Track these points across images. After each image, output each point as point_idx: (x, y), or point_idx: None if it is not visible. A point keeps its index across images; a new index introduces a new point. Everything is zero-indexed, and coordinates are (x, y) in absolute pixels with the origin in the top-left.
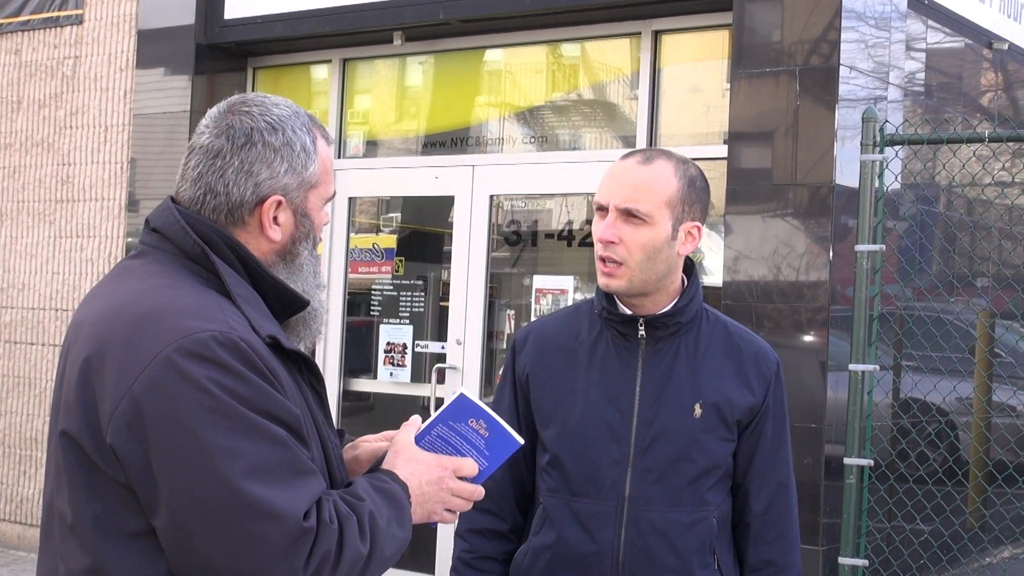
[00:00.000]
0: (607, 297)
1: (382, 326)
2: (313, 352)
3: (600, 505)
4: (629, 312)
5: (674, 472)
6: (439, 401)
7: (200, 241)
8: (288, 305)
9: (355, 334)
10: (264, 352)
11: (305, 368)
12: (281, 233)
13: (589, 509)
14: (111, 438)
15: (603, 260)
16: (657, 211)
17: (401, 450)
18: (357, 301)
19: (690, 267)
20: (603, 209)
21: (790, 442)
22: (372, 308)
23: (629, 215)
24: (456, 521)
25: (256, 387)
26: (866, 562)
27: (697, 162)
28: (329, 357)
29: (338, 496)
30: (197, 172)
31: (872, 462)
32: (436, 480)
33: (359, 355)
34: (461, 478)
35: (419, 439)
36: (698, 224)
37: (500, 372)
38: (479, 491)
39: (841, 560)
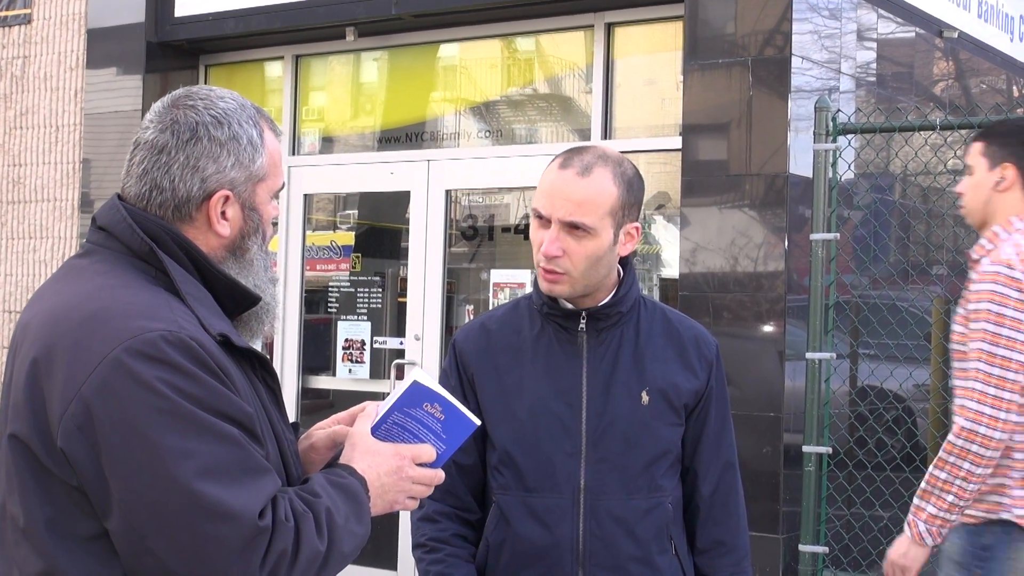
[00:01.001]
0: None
1: (340, 323)
2: (270, 348)
3: (556, 499)
4: (571, 306)
5: (628, 460)
6: None
7: (147, 239)
8: (239, 301)
9: (313, 332)
10: (215, 350)
11: (259, 365)
12: (230, 228)
13: (546, 503)
14: (61, 441)
15: (546, 272)
16: (600, 222)
17: (357, 443)
18: (315, 299)
19: (624, 259)
20: (543, 217)
21: (732, 425)
22: (330, 305)
23: (573, 227)
24: (417, 506)
25: (207, 386)
26: (826, 549)
27: (652, 154)
28: (287, 355)
29: (294, 493)
30: (142, 168)
31: (831, 449)
32: (395, 470)
33: (317, 353)
34: (420, 464)
35: (375, 429)
36: (637, 224)
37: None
38: (439, 475)
39: (801, 548)
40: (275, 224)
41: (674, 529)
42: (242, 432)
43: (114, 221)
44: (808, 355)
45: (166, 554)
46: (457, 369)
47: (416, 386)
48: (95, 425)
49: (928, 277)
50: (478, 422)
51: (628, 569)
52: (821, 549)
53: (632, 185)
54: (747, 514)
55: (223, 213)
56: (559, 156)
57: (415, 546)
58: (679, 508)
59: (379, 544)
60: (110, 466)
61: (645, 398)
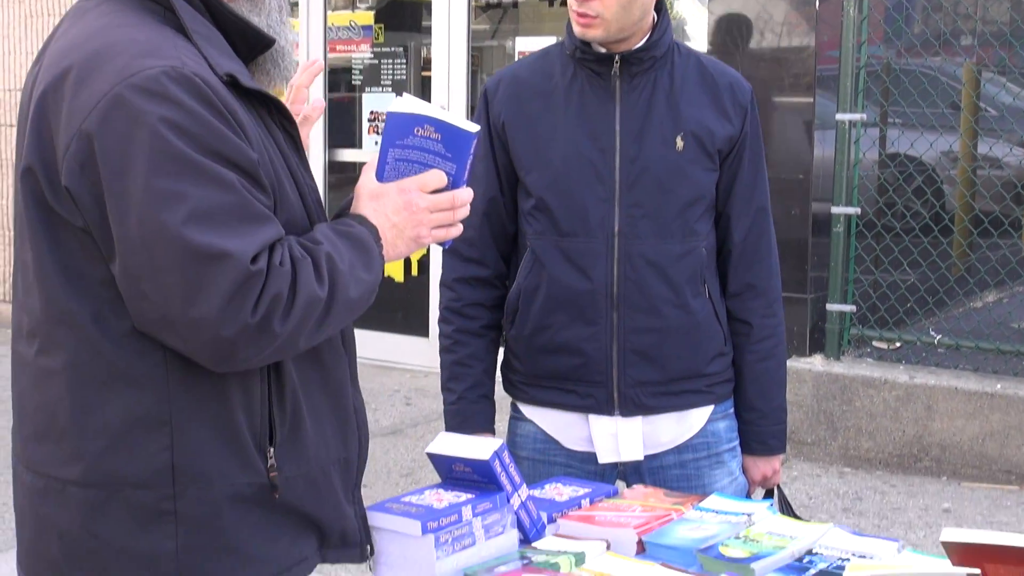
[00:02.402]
0: (582, 40)
1: (364, 96)
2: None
3: (590, 243)
4: (604, 51)
5: (662, 205)
6: None
7: None
8: (252, 43)
9: (338, 108)
10: (220, 90)
11: (275, 110)
12: None
13: (579, 248)
14: (66, 179)
15: (581, 16)
16: None
17: (362, 191)
18: (337, 80)
19: (659, 3)
20: None
21: (766, 170)
22: (353, 80)
23: None
24: (452, 236)
25: (208, 125)
26: (853, 308)
27: None
28: (313, 132)
29: (294, 240)
30: None
31: (859, 210)
32: (404, 206)
33: (343, 128)
34: (436, 192)
35: (380, 176)
36: None
37: None
38: (458, 195)
39: (829, 307)
40: None
41: (707, 274)
42: (242, 177)
43: None
44: (838, 116)
45: (159, 298)
46: (487, 118)
47: (394, 116)
48: (96, 163)
49: (955, 47)
50: (476, 128)
51: (662, 311)
52: (848, 308)
53: None
54: (783, 282)
55: None
56: None
57: (440, 308)
58: (712, 254)
59: (410, 312)
60: (109, 206)
61: (680, 143)
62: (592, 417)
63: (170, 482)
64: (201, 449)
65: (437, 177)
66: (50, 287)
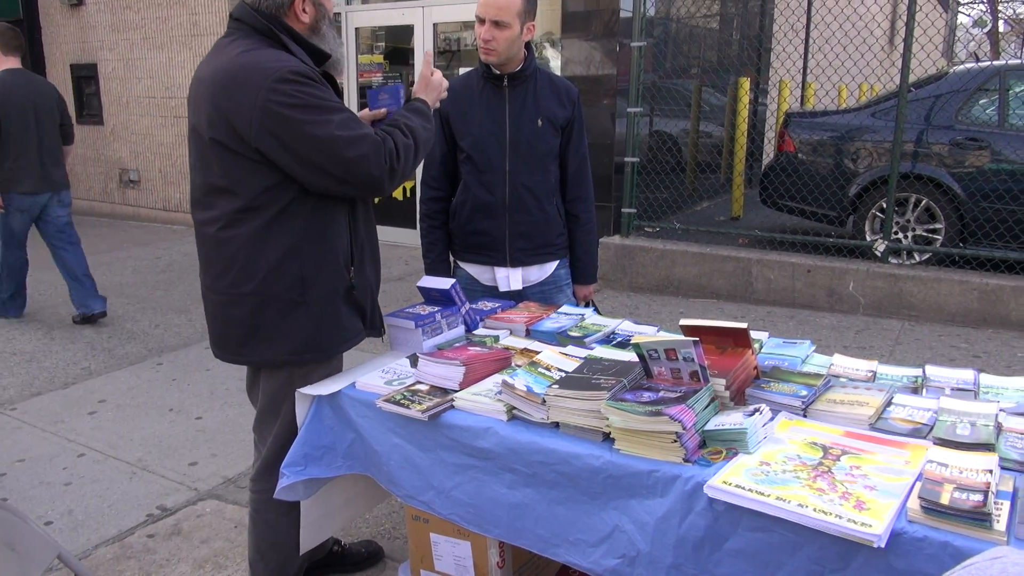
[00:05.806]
0: (487, 65)
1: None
2: None
3: (493, 176)
4: (499, 72)
5: (531, 156)
6: None
7: (266, 22)
8: (319, 58)
9: (363, 104)
10: (316, 75)
11: (332, 87)
12: (308, 16)
13: (488, 179)
14: (255, 142)
15: (484, 49)
16: (512, 19)
17: (415, 90)
18: (363, 91)
19: (528, 44)
20: (482, 19)
21: (586, 137)
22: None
23: (497, 24)
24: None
25: (319, 89)
26: (635, 210)
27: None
28: (351, 104)
29: (380, 127)
30: None
31: (639, 159)
32: (432, 87)
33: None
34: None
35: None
36: (533, 23)
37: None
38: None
39: (624, 210)
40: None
41: (556, 192)
42: (343, 108)
43: (245, 15)
44: (629, 110)
45: (340, 171)
46: (439, 111)
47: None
48: (273, 128)
49: (690, 72)
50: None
51: (532, 212)
52: (632, 210)
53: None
54: (596, 196)
55: (304, 9)
56: None
57: (420, 213)
58: (558, 181)
59: (407, 216)
60: (292, 146)
61: (540, 123)
62: (496, 268)
63: (301, 287)
64: (319, 268)
65: (437, 76)
66: (236, 192)
